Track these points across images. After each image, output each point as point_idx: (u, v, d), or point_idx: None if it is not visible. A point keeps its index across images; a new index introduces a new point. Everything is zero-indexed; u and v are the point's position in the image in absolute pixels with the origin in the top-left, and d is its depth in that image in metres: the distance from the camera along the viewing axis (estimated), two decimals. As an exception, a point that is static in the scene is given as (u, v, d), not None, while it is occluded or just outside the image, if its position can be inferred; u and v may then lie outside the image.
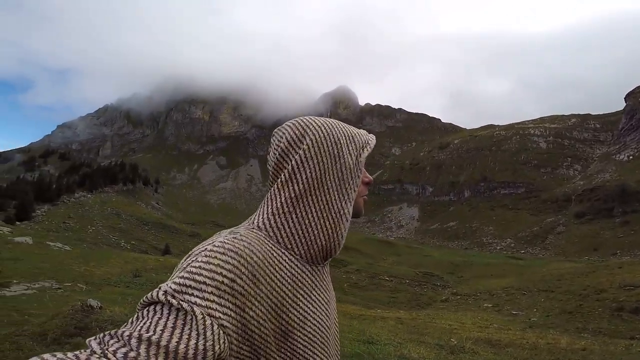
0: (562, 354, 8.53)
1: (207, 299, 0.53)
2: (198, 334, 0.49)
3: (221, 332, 0.52)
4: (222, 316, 0.53)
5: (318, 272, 0.71)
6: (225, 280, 0.56)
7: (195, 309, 0.51)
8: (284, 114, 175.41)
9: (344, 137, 0.72)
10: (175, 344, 0.47)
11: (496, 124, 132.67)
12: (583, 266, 31.67)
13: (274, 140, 0.73)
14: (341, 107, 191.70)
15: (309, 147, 0.69)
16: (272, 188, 0.71)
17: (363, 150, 0.74)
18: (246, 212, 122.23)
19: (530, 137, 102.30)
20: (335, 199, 0.69)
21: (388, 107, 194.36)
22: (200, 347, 0.48)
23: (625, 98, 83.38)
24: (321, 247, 0.69)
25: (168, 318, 0.50)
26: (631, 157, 72.06)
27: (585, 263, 38.36)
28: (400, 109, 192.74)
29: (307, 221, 0.68)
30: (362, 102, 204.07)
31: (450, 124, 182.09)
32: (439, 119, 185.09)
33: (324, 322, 0.70)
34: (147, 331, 0.48)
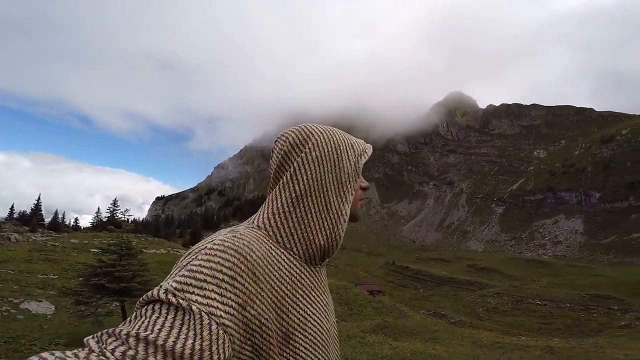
0: None
1: (209, 297, 0.53)
2: (195, 334, 0.49)
3: (220, 331, 0.52)
4: (223, 314, 0.53)
5: (316, 273, 0.72)
6: (226, 278, 0.56)
7: (193, 307, 0.51)
8: (394, 132, 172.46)
9: (343, 144, 0.75)
10: (172, 343, 0.47)
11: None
12: None
13: (277, 145, 0.75)
14: (458, 114, 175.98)
15: (310, 150, 0.71)
16: (274, 191, 0.73)
17: (361, 157, 0.77)
18: (367, 234, 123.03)
19: None
20: (333, 200, 0.71)
21: (517, 105, 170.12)
22: (197, 347, 0.48)
23: None
24: (320, 246, 0.70)
25: (166, 317, 0.50)
26: None
27: None
28: (535, 104, 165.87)
29: (306, 220, 0.69)
30: (482, 105, 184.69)
31: (609, 112, 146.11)
32: (592, 109, 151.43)
33: (324, 325, 0.70)
34: (145, 330, 0.48)
